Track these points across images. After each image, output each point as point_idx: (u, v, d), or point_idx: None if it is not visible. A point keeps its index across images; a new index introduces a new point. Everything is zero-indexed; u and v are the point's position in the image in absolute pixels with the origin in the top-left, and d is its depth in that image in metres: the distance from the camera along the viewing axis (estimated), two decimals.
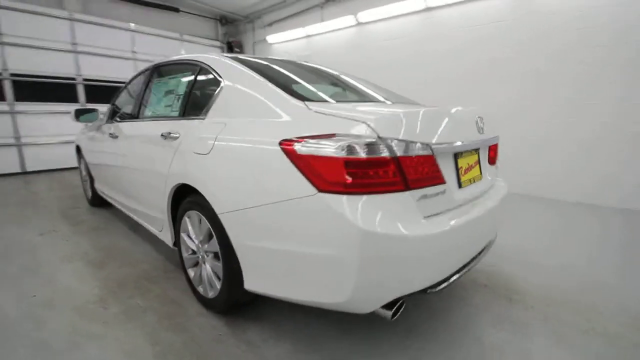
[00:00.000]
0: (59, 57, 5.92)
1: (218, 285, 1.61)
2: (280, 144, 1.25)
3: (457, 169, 1.45)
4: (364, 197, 1.10)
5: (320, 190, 1.12)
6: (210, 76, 1.81)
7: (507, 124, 4.07)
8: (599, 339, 1.58)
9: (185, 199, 1.79)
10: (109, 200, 3.13)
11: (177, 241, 1.98)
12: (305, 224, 1.17)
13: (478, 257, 1.56)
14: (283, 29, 7.32)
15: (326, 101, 1.55)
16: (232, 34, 8.72)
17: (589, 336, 1.60)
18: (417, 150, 1.19)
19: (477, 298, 1.93)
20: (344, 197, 1.10)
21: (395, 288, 1.16)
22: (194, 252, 1.81)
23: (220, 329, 1.63)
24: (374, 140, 1.12)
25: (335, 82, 2.15)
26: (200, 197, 1.60)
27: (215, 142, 1.50)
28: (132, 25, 6.82)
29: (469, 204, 1.48)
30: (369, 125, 1.14)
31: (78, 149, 3.76)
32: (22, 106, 5.66)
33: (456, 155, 1.45)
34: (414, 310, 1.77)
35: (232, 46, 8.48)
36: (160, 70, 2.40)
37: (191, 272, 1.85)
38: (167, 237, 2.05)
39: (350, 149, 1.10)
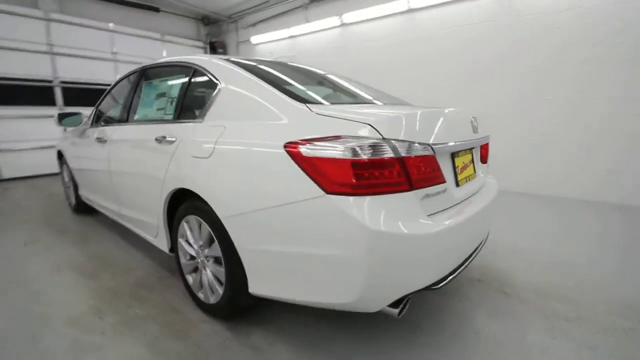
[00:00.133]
0: (34, 59, 5.68)
1: (220, 290, 1.60)
2: (285, 146, 1.25)
3: (455, 168, 1.50)
4: (372, 198, 1.12)
5: (328, 191, 1.14)
6: (205, 78, 1.79)
7: (500, 126, 4.15)
8: (590, 327, 1.66)
9: (183, 203, 1.77)
10: (96, 207, 3.04)
11: (173, 247, 1.95)
12: (313, 225, 1.18)
13: (476, 252, 1.62)
14: (267, 29, 7.28)
15: (334, 103, 1.56)
16: (215, 34, 8.60)
17: (580, 325, 1.68)
18: (420, 150, 1.22)
19: (473, 293, 1.99)
20: (352, 198, 1.11)
21: (403, 286, 1.19)
22: (192, 258, 1.79)
23: (224, 334, 1.62)
24: (379, 141, 1.14)
25: (326, 83, 2.16)
26: (200, 201, 1.58)
27: (216, 146, 1.49)
28: (111, 25, 6.63)
29: (466, 202, 1.52)
30: (373, 127, 1.16)
31: (60, 155, 3.64)
32: None
33: (453, 155, 1.50)
34: (413, 307, 1.81)
35: (215, 47, 8.37)
36: (150, 73, 2.35)
37: (190, 278, 1.83)
38: (162, 244, 2.01)
39: (357, 150, 1.12)
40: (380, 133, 1.15)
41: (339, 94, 2.12)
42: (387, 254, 1.11)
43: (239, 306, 1.63)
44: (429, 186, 1.26)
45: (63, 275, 2.24)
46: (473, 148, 1.73)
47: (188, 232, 1.75)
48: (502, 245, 2.61)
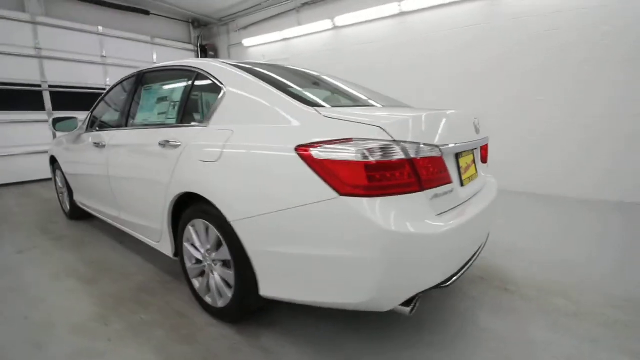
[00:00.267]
0: (21, 63, 5.56)
1: (229, 293, 1.59)
2: (296, 149, 1.26)
3: (459, 169, 1.53)
4: (384, 199, 1.15)
5: (341, 193, 1.15)
6: (209, 82, 1.79)
7: (499, 127, 4.18)
8: (590, 322, 1.71)
9: (188, 207, 1.76)
10: (92, 212, 2.99)
11: (177, 251, 1.94)
12: (327, 226, 1.20)
13: (480, 250, 1.66)
14: (259, 32, 7.27)
15: (335, 106, 1.58)
16: (206, 37, 8.56)
17: (581, 320, 1.73)
18: (428, 151, 1.25)
19: (475, 290, 2.03)
20: (366, 200, 1.13)
21: (415, 285, 1.21)
22: (198, 262, 1.78)
23: (233, 337, 1.62)
24: (390, 143, 1.17)
25: (325, 85, 2.17)
26: (207, 205, 1.58)
27: (224, 150, 1.49)
28: (100, 28, 6.54)
29: (470, 201, 1.56)
30: (383, 129, 1.19)
31: (53, 160, 3.57)
32: None
33: (457, 155, 1.53)
34: (418, 306, 1.84)
35: (206, 50, 8.33)
36: (149, 77, 2.33)
37: (196, 283, 1.82)
38: (166, 248, 2.00)
39: (369, 152, 1.14)
40: (390, 135, 1.18)
41: (338, 96, 2.14)
42: (401, 253, 1.14)
43: (249, 309, 1.63)
44: (438, 186, 1.29)
45: (62, 282, 2.21)
46: (475, 148, 1.77)
47: (194, 236, 1.74)
48: (502, 245, 2.66)
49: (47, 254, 2.68)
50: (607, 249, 2.67)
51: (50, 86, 5.93)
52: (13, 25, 5.45)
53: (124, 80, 2.60)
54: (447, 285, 1.34)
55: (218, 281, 1.66)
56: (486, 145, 1.97)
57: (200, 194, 1.58)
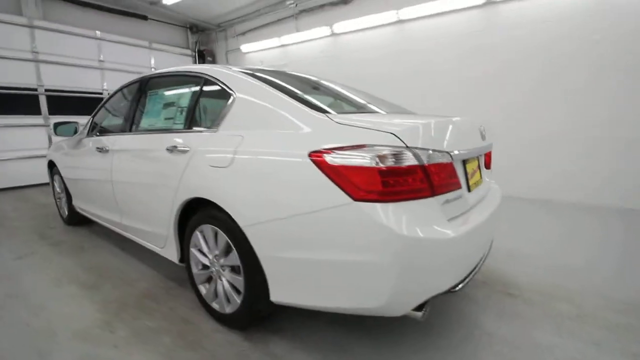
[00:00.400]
0: (17, 67, 5.52)
1: (238, 299, 1.59)
2: (309, 155, 1.28)
3: (466, 174, 1.56)
4: (398, 204, 1.16)
5: (356, 198, 1.17)
6: (218, 88, 1.80)
7: (502, 133, 4.17)
8: (593, 325, 1.74)
9: (195, 213, 1.76)
10: (92, 217, 2.96)
11: (183, 257, 1.93)
12: (341, 231, 1.21)
13: (486, 254, 1.68)
14: (257, 38, 7.31)
15: (340, 112, 1.59)
16: (204, 43, 8.58)
17: (584, 323, 1.76)
18: (439, 157, 1.28)
19: (479, 295, 2.05)
20: (380, 205, 1.15)
21: (428, 289, 1.23)
22: (205, 267, 1.78)
23: (241, 344, 1.61)
24: (403, 149, 1.19)
25: (329, 91, 2.18)
26: (216, 210, 1.59)
27: (235, 155, 1.50)
28: (98, 33, 6.53)
29: (477, 206, 1.58)
30: (396, 136, 1.21)
31: (51, 165, 3.53)
32: None
33: (464, 162, 1.56)
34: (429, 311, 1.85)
35: (203, 55, 8.34)
36: (155, 82, 2.33)
37: (203, 289, 1.81)
38: (171, 254, 1.99)
39: (383, 158, 1.16)
40: (403, 142, 1.20)
41: (341, 103, 2.15)
42: (416, 258, 1.15)
43: (258, 315, 1.63)
44: (448, 192, 1.32)
45: (63, 288, 2.18)
46: (480, 155, 1.80)
47: (202, 242, 1.74)
48: (503, 249, 2.68)
49: (46, 259, 2.64)
50: (607, 254, 2.71)
51: (46, 90, 5.89)
52: (10, 29, 5.42)
53: (127, 86, 2.59)
54: (457, 290, 1.36)
55: (226, 287, 1.65)
56: (490, 151, 2.01)
57: (211, 199, 1.58)
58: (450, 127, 1.46)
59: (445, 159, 1.30)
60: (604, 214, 3.75)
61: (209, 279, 1.78)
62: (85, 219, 3.26)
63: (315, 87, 2.17)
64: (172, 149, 1.83)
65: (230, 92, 1.71)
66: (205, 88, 1.88)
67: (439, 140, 1.34)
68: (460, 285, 1.36)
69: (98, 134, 2.70)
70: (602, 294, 2.04)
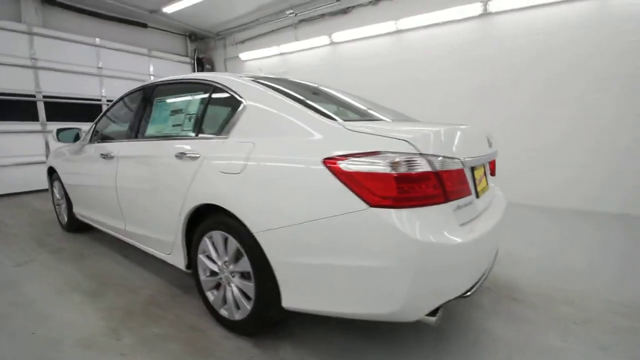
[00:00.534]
0: (16, 73, 5.49)
1: (248, 305, 1.59)
2: (323, 162, 1.30)
3: (475, 181, 1.59)
4: (413, 210, 1.18)
5: (372, 204, 1.19)
6: (227, 95, 1.81)
7: (506, 141, 4.19)
8: (598, 329, 1.76)
9: (204, 219, 1.76)
10: (93, 224, 2.94)
11: (190, 264, 1.92)
12: (356, 237, 1.22)
13: (494, 260, 1.70)
14: (256, 46, 7.37)
15: (347, 120, 1.61)
16: (203, 51, 8.63)
17: (589, 327, 1.78)
18: (452, 164, 1.30)
19: (485, 300, 2.07)
20: (395, 211, 1.17)
21: (441, 294, 1.24)
22: (213, 274, 1.77)
23: (250, 350, 1.60)
24: (417, 156, 1.21)
25: (333, 99, 2.20)
26: (227, 216, 1.59)
27: (248, 162, 1.51)
28: (97, 40, 6.54)
29: (485, 212, 1.61)
30: (409, 143, 1.23)
31: (51, 171, 3.51)
32: None
33: (472, 168, 1.59)
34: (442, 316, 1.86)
35: (202, 63, 8.39)
36: (162, 89, 2.34)
37: (211, 295, 1.80)
38: (178, 261, 1.98)
39: (398, 165, 1.18)
40: (417, 148, 1.22)
41: (346, 110, 2.17)
42: (430, 263, 1.17)
43: (269, 321, 1.62)
44: (460, 198, 1.34)
45: (66, 296, 2.15)
46: (486, 162, 1.83)
47: (211, 248, 1.74)
48: (507, 255, 2.70)
49: (46, 267, 2.61)
50: (608, 258, 2.75)
51: (44, 96, 5.86)
52: (9, 36, 5.40)
53: (132, 93, 2.60)
54: (468, 296, 1.38)
55: (236, 293, 1.65)
56: (494, 158, 2.04)
57: (223, 205, 1.58)
58: (459, 134, 1.49)
59: (457, 166, 1.33)
60: (604, 220, 3.81)
61: (218, 286, 1.77)
62: (84, 226, 3.23)
63: (319, 94, 2.20)
64: (181, 156, 1.83)
65: (240, 99, 1.73)
66: (215, 95, 1.90)
67: (450, 147, 1.37)
68: (472, 290, 1.38)
69: (101, 140, 2.70)
70: (604, 298, 2.07)
